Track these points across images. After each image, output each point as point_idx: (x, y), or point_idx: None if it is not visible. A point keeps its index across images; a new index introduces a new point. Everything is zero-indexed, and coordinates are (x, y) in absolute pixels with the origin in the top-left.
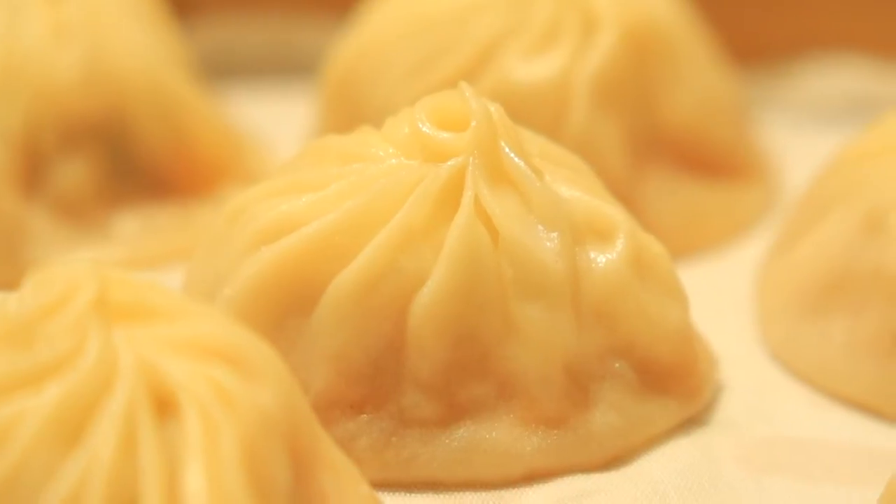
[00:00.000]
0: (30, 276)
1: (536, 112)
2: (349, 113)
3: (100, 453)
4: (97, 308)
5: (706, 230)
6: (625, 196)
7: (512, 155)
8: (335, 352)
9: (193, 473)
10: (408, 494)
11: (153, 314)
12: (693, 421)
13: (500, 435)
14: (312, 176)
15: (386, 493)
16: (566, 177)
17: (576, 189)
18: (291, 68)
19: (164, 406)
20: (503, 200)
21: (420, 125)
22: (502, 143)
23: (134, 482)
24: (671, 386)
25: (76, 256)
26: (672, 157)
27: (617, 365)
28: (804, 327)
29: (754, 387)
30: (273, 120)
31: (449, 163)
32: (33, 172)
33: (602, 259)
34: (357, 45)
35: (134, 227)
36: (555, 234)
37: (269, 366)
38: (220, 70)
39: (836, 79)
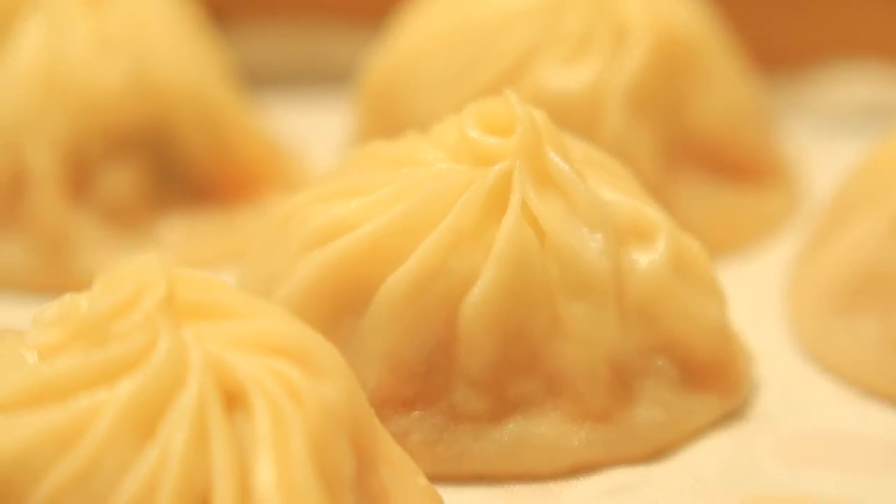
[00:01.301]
0: (99, 275)
1: (570, 120)
2: (387, 121)
3: (172, 446)
4: (167, 305)
5: (734, 233)
6: (656, 200)
7: (557, 159)
8: (388, 350)
9: (264, 465)
10: (459, 487)
11: (220, 312)
12: (731, 416)
13: (547, 429)
14: (363, 180)
15: (438, 487)
16: (608, 180)
17: (618, 192)
18: (326, 78)
19: (234, 400)
20: (549, 203)
21: (467, 130)
22: (547, 148)
23: (206, 474)
24: (711, 382)
25: (144, 256)
26: (701, 162)
27: (659, 361)
28: (836, 325)
29: (789, 383)
30: (308, 129)
31: (496, 167)
32: (81, 180)
33: (644, 259)
34: (394, 55)
35: (178, 233)
36: (599, 235)
37: (332, 362)
38: (257, 80)
39: (858, 86)
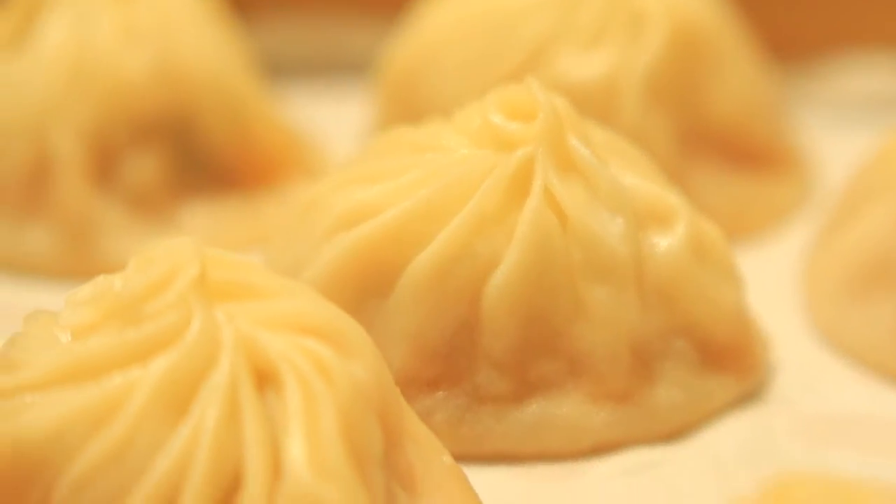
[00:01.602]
0: (133, 256)
1: (587, 108)
2: (407, 110)
3: (205, 424)
4: (199, 285)
5: (749, 219)
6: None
7: (578, 145)
8: (412, 331)
9: (295, 442)
10: (482, 467)
11: (251, 292)
12: (749, 397)
13: (569, 410)
14: (386, 166)
15: (461, 466)
16: (628, 166)
17: (637, 177)
18: (345, 68)
19: (265, 378)
20: (571, 188)
21: (491, 116)
22: (569, 134)
23: (238, 451)
24: (728, 363)
25: (178, 238)
26: (716, 150)
27: (678, 343)
28: (852, 310)
29: (805, 366)
30: (328, 118)
31: (519, 152)
32: (106, 167)
33: (664, 243)
34: (414, 44)
35: (202, 219)
36: (620, 220)
37: (362, 341)
38: (278, 70)
39: (870, 76)
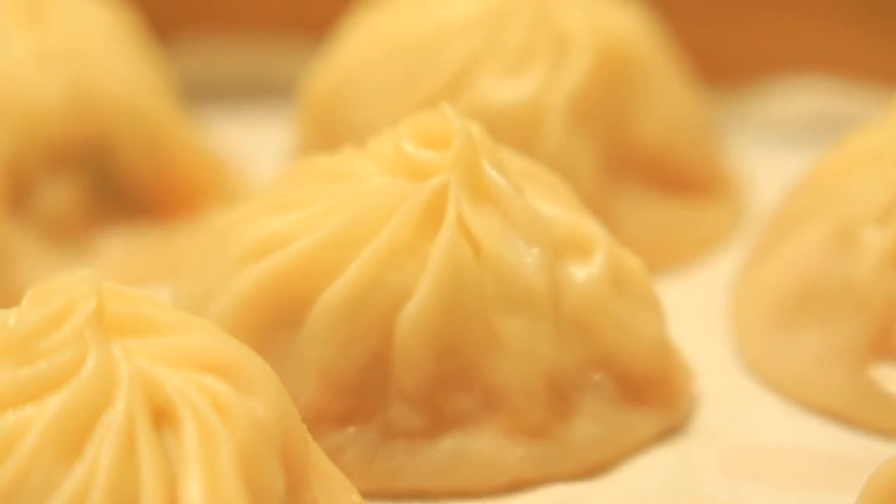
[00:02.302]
0: (28, 290)
1: (511, 133)
2: (328, 135)
3: (101, 463)
4: (96, 321)
5: (677, 246)
6: (598, 214)
7: (493, 173)
8: (323, 365)
9: (193, 482)
10: None
11: (150, 327)
12: (671, 431)
13: (484, 445)
14: (299, 194)
15: None
16: (545, 194)
17: (555, 206)
18: (267, 92)
19: (163, 416)
20: (485, 217)
21: (403, 144)
22: (483, 161)
23: (134, 491)
24: (650, 396)
25: (74, 272)
26: (644, 175)
27: (597, 376)
28: (778, 339)
29: (730, 397)
30: (250, 143)
31: (432, 181)
32: (19, 195)
33: (581, 273)
34: (335, 68)
35: (118, 248)
36: (535, 250)
37: (263, 377)
38: (198, 94)
39: (801, 99)
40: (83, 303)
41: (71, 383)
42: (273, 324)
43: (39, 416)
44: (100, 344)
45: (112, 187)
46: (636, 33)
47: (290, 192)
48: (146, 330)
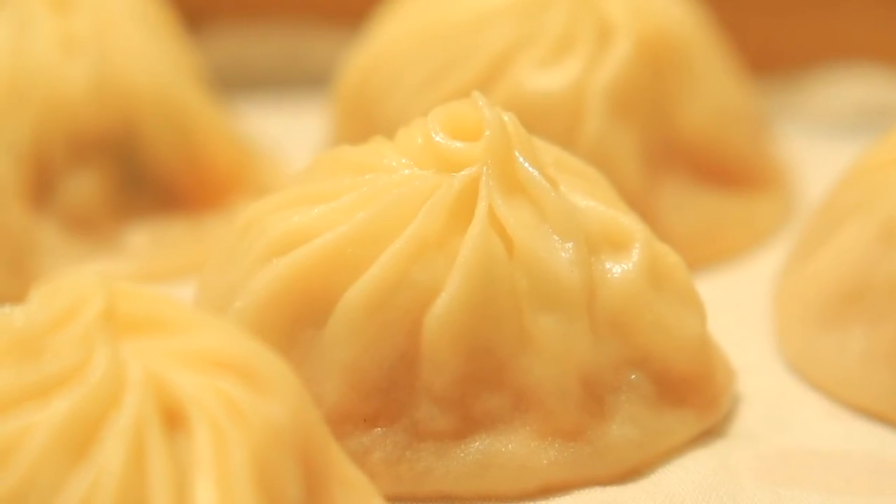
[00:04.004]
0: (36, 288)
1: (550, 122)
2: (362, 124)
3: (108, 467)
4: (105, 320)
5: (723, 241)
6: (640, 207)
7: (526, 164)
8: (348, 364)
9: (203, 487)
10: None
11: (162, 326)
12: (711, 433)
13: (515, 448)
14: (325, 187)
15: None
16: (581, 187)
17: (591, 199)
18: (303, 80)
19: (174, 419)
20: (517, 210)
21: (433, 135)
22: (516, 153)
23: (143, 496)
24: (688, 397)
25: (84, 268)
26: (688, 167)
27: (633, 376)
28: (822, 338)
29: (772, 398)
30: (285, 132)
31: (462, 172)
32: (43, 186)
33: (618, 269)
34: (370, 56)
35: (145, 241)
36: (570, 245)
37: (279, 378)
38: (232, 82)
39: (851, 89)
40: (92, 301)
41: (78, 385)
42: (297, 322)
43: (45, 419)
44: (108, 344)
45: (139, 178)
46: (681, 20)
47: (316, 184)
48: (159, 330)
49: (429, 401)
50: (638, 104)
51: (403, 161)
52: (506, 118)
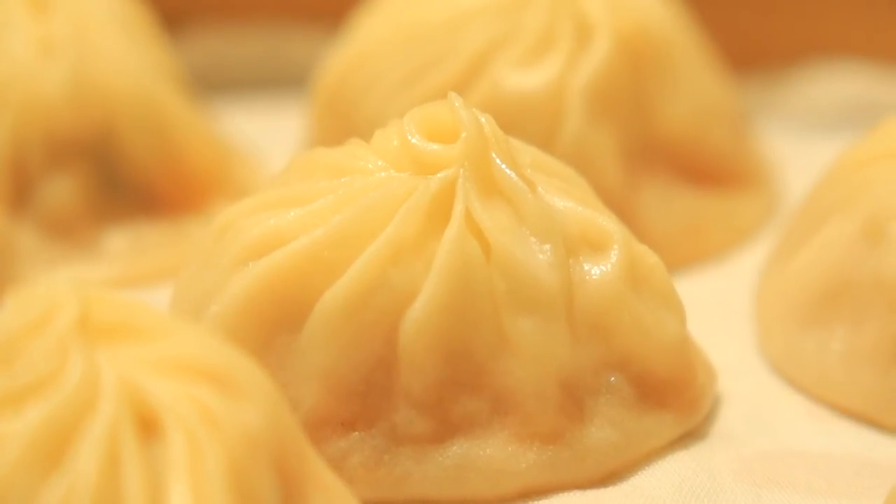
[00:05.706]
0: (10, 294)
1: (530, 122)
2: (340, 125)
3: (82, 476)
4: (79, 328)
5: (704, 240)
6: (620, 206)
7: (503, 166)
8: (325, 369)
9: (178, 495)
10: None
11: (137, 333)
12: (691, 434)
13: (494, 451)
14: (300, 190)
15: None
16: (559, 188)
17: (569, 200)
18: (282, 81)
19: (148, 427)
20: (495, 212)
21: (409, 137)
22: (493, 154)
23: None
24: (668, 399)
25: (59, 275)
26: (669, 165)
27: (613, 378)
28: (803, 338)
29: (753, 399)
30: (264, 133)
31: (439, 175)
32: (20, 189)
33: (596, 271)
34: (347, 56)
35: (123, 245)
36: (547, 247)
37: (255, 385)
38: (211, 83)
39: (834, 85)
40: (66, 308)
41: (52, 393)
42: (273, 326)
43: (18, 428)
44: (83, 351)
45: (117, 181)
46: (661, 18)
47: (292, 187)
48: (133, 337)
49: (407, 405)
50: (618, 103)
51: (379, 163)
52: (482, 119)
